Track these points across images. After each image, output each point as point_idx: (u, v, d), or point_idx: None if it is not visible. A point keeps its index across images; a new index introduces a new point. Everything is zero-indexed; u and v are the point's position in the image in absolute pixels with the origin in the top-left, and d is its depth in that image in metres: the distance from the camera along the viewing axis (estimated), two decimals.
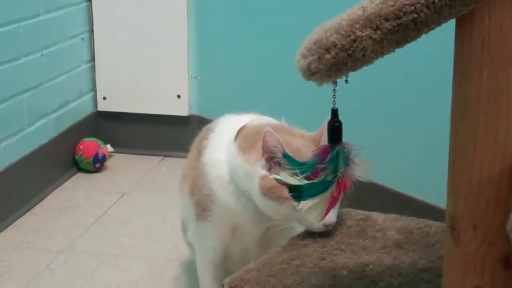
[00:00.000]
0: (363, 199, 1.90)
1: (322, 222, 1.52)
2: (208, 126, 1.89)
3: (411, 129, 2.30)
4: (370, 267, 1.43)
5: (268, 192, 1.56)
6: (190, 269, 2.16)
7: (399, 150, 2.32)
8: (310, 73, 1.09)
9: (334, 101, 1.17)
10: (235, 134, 1.72)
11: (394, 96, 2.35)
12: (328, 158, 1.18)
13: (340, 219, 1.66)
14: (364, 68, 1.10)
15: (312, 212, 1.21)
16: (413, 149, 2.29)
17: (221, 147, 1.75)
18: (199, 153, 1.81)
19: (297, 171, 1.22)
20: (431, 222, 1.60)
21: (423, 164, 2.25)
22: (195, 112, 3.21)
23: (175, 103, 3.20)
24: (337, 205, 1.54)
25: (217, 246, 1.81)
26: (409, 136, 2.31)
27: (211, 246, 1.81)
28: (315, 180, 1.19)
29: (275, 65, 2.74)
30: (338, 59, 1.05)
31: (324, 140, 1.54)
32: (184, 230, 2.01)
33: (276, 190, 1.54)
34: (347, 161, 1.18)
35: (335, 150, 1.18)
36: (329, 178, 1.18)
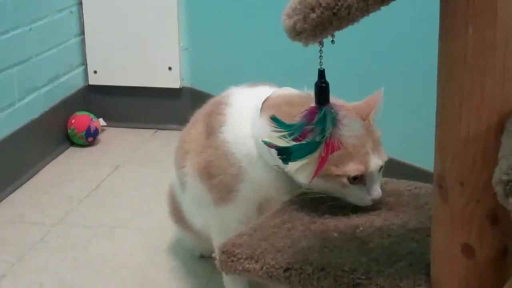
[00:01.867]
0: None
1: (371, 197, 1.51)
2: (218, 100, 1.79)
3: (398, 92, 2.30)
4: (361, 228, 1.43)
5: None
6: (183, 239, 2.17)
7: (388, 114, 2.31)
8: (296, 33, 1.09)
9: (320, 61, 1.17)
10: (258, 107, 1.63)
11: (381, 57, 2.34)
12: (315, 119, 1.18)
13: None
14: (351, 28, 1.10)
15: (301, 173, 1.21)
16: (403, 113, 2.29)
17: (245, 122, 1.67)
18: (213, 130, 1.72)
19: (285, 133, 1.22)
20: (421, 184, 1.61)
21: (412, 128, 2.25)
22: (187, 84, 3.21)
23: (166, 76, 3.19)
24: (380, 174, 1.54)
25: (241, 228, 1.65)
26: (397, 99, 2.30)
27: (235, 228, 1.65)
28: (303, 142, 1.19)
29: (266, 34, 2.73)
30: (323, 18, 1.04)
31: (375, 114, 1.55)
32: (179, 218, 1.95)
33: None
34: (335, 122, 1.19)
35: (323, 111, 1.18)
36: (317, 139, 1.19)
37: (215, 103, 1.79)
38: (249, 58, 2.89)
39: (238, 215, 1.73)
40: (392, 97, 2.31)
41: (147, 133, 3.18)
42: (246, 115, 1.68)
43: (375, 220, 1.46)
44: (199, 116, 1.82)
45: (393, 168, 2.07)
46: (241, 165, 1.66)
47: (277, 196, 1.67)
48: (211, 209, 1.76)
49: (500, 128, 1.08)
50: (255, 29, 2.83)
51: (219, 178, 1.70)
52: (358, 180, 1.51)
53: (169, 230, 2.24)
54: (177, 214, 1.95)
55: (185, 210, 1.90)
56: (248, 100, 1.70)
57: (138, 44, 3.17)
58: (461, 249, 1.16)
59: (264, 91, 1.70)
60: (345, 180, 1.49)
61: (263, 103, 1.64)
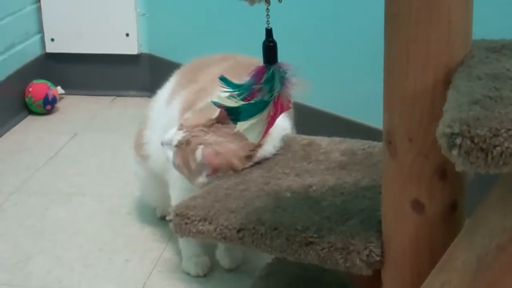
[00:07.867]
0: (308, 125, 1.91)
1: None
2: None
3: (347, 51, 2.28)
4: (314, 188, 1.44)
5: None
6: (141, 204, 2.17)
7: (338, 73, 2.31)
8: None
9: (267, 21, 1.17)
10: None
11: (329, 16, 2.33)
12: (264, 78, 1.18)
13: (285, 145, 1.66)
14: None
15: (251, 133, 1.21)
16: (355, 73, 2.27)
17: None
18: None
19: (234, 93, 1.21)
20: (375, 143, 1.61)
21: (365, 87, 2.23)
22: (144, 50, 3.18)
23: (124, 42, 3.16)
24: None
25: None
26: (346, 58, 2.29)
27: None
28: (252, 101, 1.19)
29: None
30: None
31: None
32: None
33: None
34: (283, 81, 1.18)
35: (271, 70, 1.18)
36: (266, 98, 1.18)
37: None
38: (207, 23, 2.86)
39: None
40: (341, 56, 2.32)
41: (105, 100, 3.15)
42: None
43: (328, 179, 1.47)
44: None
45: (346, 127, 2.06)
46: None
47: None
48: None
49: (447, 83, 1.08)
50: None
51: None
52: None
53: (127, 196, 2.23)
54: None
55: None
56: None
57: (95, 11, 3.13)
58: (411, 204, 1.16)
59: None
60: None
61: None
